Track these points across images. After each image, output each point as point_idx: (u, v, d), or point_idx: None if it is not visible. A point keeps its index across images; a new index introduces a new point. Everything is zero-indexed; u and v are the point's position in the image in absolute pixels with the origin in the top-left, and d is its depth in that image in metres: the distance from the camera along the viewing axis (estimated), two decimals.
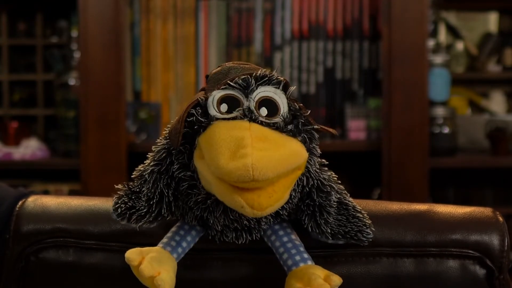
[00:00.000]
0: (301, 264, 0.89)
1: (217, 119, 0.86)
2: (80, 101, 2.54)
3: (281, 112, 0.87)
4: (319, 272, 0.87)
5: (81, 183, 2.56)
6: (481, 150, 2.78)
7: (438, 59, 2.67)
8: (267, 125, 0.86)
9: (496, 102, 2.99)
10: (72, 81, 2.66)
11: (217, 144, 0.83)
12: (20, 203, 1.02)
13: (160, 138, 0.92)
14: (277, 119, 0.87)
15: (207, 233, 0.93)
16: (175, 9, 2.64)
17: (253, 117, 0.86)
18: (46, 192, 2.58)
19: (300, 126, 0.88)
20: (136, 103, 2.65)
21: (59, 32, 2.85)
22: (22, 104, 2.89)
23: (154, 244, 0.93)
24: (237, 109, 0.86)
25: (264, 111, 0.86)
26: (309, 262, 0.89)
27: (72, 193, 2.62)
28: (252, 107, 0.86)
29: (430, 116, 2.60)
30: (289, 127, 0.87)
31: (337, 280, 0.86)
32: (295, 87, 0.92)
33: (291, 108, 0.88)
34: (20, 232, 1.00)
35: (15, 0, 2.85)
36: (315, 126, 0.90)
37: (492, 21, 3.07)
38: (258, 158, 0.80)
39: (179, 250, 0.91)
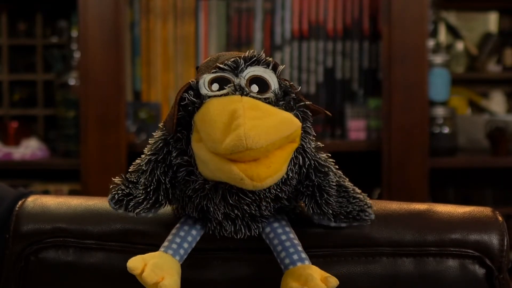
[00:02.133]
0: (299, 264, 0.89)
1: (209, 97, 0.87)
2: (80, 101, 2.54)
3: (272, 89, 0.88)
4: (316, 273, 0.87)
5: (81, 183, 2.56)
6: (481, 150, 2.78)
7: (438, 59, 2.67)
8: (259, 100, 0.86)
9: (496, 102, 2.99)
10: (72, 81, 2.66)
11: (211, 119, 0.84)
12: (20, 203, 1.02)
13: (156, 131, 0.92)
14: (268, 95, 0.88)
15: (207, 228, 0.93)
16: (175, 9, 2.64)
17: (244, 92, 0.87)
18: (46, 192, 2.58)
19: (291, 102, 0.89)
20: (136, 103, 2.65)
21: (59, 32, 2.85)
22: (22, 104, 2.89)
23: (154, 243, 0.93)
24: (228, 86, 0.87)
25: (255, 88, 0.88)
26: (307, 262, 0.89)
27: (72, 193, 2.62)
28: (243, 84, 0.87)
29: (430, 116, 2.60)
30: (281, 103, 0.88)
31: (333, 282, 0.86)
32: (284, 66, 0.92)
33: (282, 85, 0.89)
34: (19, 232, 1.00)
35: (15, 0, 2.85)
36: (306, 102, 0.90)
37: (492, 21, 3.07)
38: (250, 127, 0.81)
39: (181, 252, 0.91)
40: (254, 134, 0.80)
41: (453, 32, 3.03)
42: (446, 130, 2.66)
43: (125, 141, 2.54)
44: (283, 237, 0.91)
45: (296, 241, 0.91)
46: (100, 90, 2.51)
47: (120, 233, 0.98)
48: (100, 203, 1.01)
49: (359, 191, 0.94)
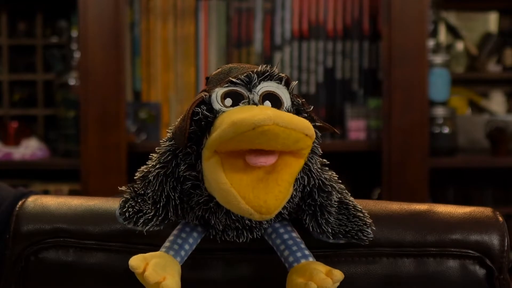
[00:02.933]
0: (302, 261, 0.89)
1: (223, 112, 0.86)
2: (80, 101, 2.54)
3: (285, 106, 0.88)
4: (321, 268, 0.87)
5: (81, 183, 2.56)
6: (481, 150, 2.78)
7: (438, 59, 2.67)
8: None
9: (496, 102, 2.99)
10: (72, 81, 2.66)
11: (231, 112, 0.84)
12: (20, 203, 1.02)
13: (164, 139, 0.91)
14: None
15: (209, 233, 0.93)
16: (175, 9, 2.64)
17: None
18: (46, 192, 2.58)
19: None
20: (136, 103, 2.65)
21: (59, 32, 2.85)
22: (22, 104, 2.89)
23: (154, 244, 0.93)
24: (241, 102, 0.87)
25: (268, 104, 0.87)
26: (310, 259, 0.90)
27: (72, 193, 2.62)
28: (256, 100, 0.87)
29: (430, 116, 2.60)
30: None
31: (338, 275, 0.86)
32: (297, 82, 0.92)
33: (294, 102, 0.89)
34: (20, 232, 1.00)
35: (15, 0, 2.85)
36: (317, 123, 0.90)
37: (492, 21, 3.07)
38: (276, 113, 0.81)
39: (182, 253, 0.91)
40: (280, 115, 0.80)
41: (453, 32, 3.03)
42: (446, 130, 2.66)
43: (125, 141, 2.54)
44: (286, 236, 0.92)
45: (299, 239, 0.92)
46: (100, 90, 2.51)
47: (120, 233, 0.97)
48: (100, 203, 1.01)
49: (360, 208, 0.93)
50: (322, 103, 2.65)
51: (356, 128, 2.65)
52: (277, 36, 2.66)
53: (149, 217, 0.91)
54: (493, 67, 2.99)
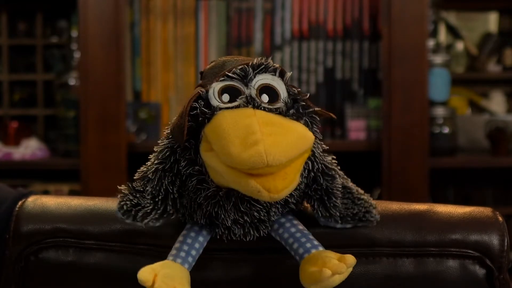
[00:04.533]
0: (313, 251, 0.90)
1: (221, 108, 0.86)
2: (80, 101, 2.54)
3: (282, 98, 0.88)
4: (332, 255, 0.88)
5: (81, 183, 2.56)
6: (481, 150, 2.78)
7: (438, 59, 2.67)
8: (270, 111, 0.87)
9: (496, 102, 2.99)
10: (72, 81, 2.66)
11: (225, 133, 0.83)
12: (20, 203, 1.02)
13: (162, 138, 0.92)
14: (279, 105, 0.88)
15: (215, 233, 0.93)
16: (175, 9, 2.64)
17: (256, 104, 0.86)
18: (46, 192, 2.58)
19: (301, 109, 0.90)
20: (136, 103, 2.65)
21: (59, 32, 2.85)
22: (22, 104, 2.89)
23: (154, 244, 0.93)
24: (239, 97, 0.87)
25: (265, 97, 0.88)
26: (320, 248, 0.90)
27: (72, 193, 2.62)
28: (254, 95, 0.87)
29: (430, 116, 2.60)
30: (291, 111, 0.89)
31: (351, 259, 0.87)
32: (291, 72, 0.92)
33: (290, 92, 0.90)
34: (20, 232, 1.00)
35: (15, 0, 2.85)
36: (315, 109, 0.91)
37: (492, 21, 3.07)
38: (270, 144, 0.81)
39: (190, 259, 0.91)
40: (274, 151, 0.81)
41: (453, 32, 3.03)
42: (446, 130, 2.66)
43: (125, 141, 2.54)
44: (293, 230, 0.92)
45: (306, 231, 0.92)
46: (100, 90, 2.51)
47: (120, 233, 0.97)
48: (100, 203, 1.01)
49: (362, 191, 0.95)
50: (322, 103, 2.65)
51: (356, 128, 2.65)
52: (277, 36, 2.66)
53: (148, 211, 0.91)
54: (493, 67, 2.99)
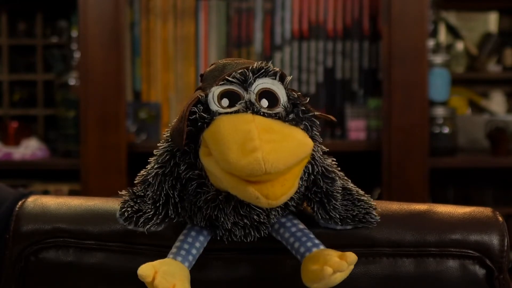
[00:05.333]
0: (314, 249, 0.90)
1: (220, 113, 0.86)
2: (80, 101, 2.54)
3: (281, 102, 0.88)
4: (333, 253, 0.88)
5: (81, 183, 2.56)
6: (481, 150, 2.78)
7: (438, 59, 2.67)
8: (270, 116, 0.86)
9: (496, 102, 2.99)
10: (72, 81, 2.66)
11: (224, 139, 0.83)
12: (19, 203, 1.02)
13: (161, 141, 0.92)
14: (278, 109, 0.87)
15: (216, 235, 0.93)
16: (175, 9, 2.64)
17: (255, 109, 0.86)
18: (46, 192, 2.58)
19: (300, 114, 0.89)
20: (136, 103, 2.65)
21: (59, 32, 2.85)
22: (22, 104, 2.89)
23: (154, 244, 0.93)
24: (238, 103, 0.86)
25: (264, 102, 0.87)
26: (321, 247, 0.90)
27: (72, 193, 2.62)
28: (253, 100, 0.87)
29: (430, 116, 2.60)
30: (291, 116, 0.88)
31: (352, 257, 0.87)
32: (291, 76, 0.92)
33: (290, 97, 0.89)
34: (19, 232, 1.00)
35: (15, 0, 2.85)
36: (315, 113, 0.90)
37: (492, 21, 3.07)
38: (268, 151, 0.80)
39: (190, 258, 0.91)
40: (273, 158, 0.80)
41: (453, 32, 3.03)
42: (446, 130, 2.66)
43: (125, 141, 2.54)
44: (293, 229, 0.92)
45: (307, 230, 0.92)
46: (100, 90, 2.51)
47: (120, 233, 0.97)
48: (100, 203, 1.01)
49: (362, 192, 0.95)
50: (322, 103, 2.65)
51: (356, 128, 2.65)
52: (277, 36, 2.66)
53: (149, 216, 0.91)
54: (493, 67, 2.99)
